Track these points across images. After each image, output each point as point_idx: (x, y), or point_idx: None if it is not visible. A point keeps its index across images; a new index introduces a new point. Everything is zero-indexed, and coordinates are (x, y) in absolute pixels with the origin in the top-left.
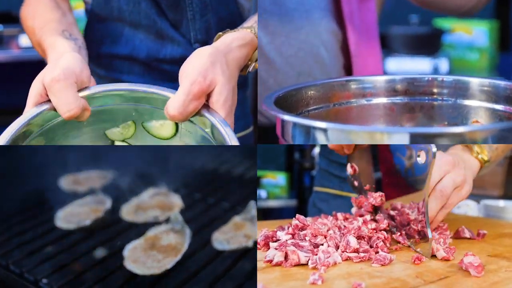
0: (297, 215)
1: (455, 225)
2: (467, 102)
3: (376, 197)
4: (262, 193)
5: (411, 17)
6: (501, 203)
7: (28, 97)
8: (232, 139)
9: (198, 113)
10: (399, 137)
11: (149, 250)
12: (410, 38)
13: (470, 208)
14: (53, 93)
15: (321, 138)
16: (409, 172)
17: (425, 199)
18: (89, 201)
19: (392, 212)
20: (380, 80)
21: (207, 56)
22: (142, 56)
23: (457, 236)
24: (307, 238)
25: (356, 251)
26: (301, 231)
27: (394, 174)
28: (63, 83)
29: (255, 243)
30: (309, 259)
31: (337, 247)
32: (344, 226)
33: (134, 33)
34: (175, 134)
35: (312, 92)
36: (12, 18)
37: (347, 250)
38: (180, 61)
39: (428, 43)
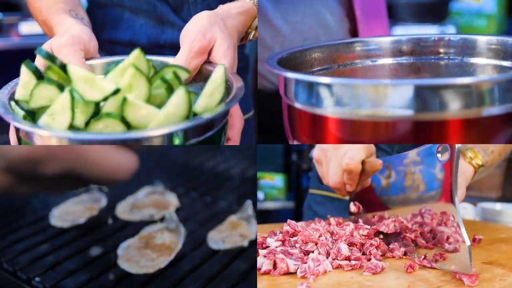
0: (289, 221)
1: None
2: (474, 60)
3: (388, 224)
4: (259, 194)
5: None
6: (498, 206)
7: (35, 62)
8: (236, 81)
9: (200, 70)
10: (404, 89)
11: (143, 249)
12: (417, 6)
13: (467, 211)
14: (60, 57)
15: (325, 95)
16: (384, 192)
17: (455, 202)
18: (84, 199)
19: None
20: (385, 41)
21: (206, 18)
22: (143, 41)
23: None
24: (297, 245)
25: (348, 258)
26: (292, 237)
27: (368, 192)
28: (70, 48)
29: (251, 242)
30: (298, 268)
31: (328, 254)
32: (337, 232)
33: (134, 19)
34: None
35: (316, 54)
36: (12, 6)
37: (338, 258)
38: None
39: (435, 11)
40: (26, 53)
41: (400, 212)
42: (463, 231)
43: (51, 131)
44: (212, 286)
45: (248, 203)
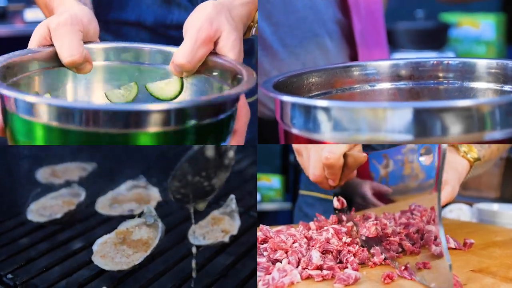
0: (261, 226)
1: (445, 232)
2: (474, 84)
3: (369, 227)
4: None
5: (416, 12)
6: (495, 206)
7: (30, 39)
8: (248, 73)
9: (205, 61)
10: (403, 112)
11: (120, 244)
12: (416, 33)
13: (463, 212)
14: (57, 37)
15: (322, 119)
16: (383, 181)
17: (436, 207)
18: (63, 194)
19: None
20: (383, 65)
21: (212, 7)
22: (149, 22)
23: None
24: (265, 254)
25: (320, 268)
26: (263, 244)
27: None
28: (69, 28)
29: (232, 238)
30: (260, 280)
31: (299, 263)
32: (315, 238)
33: None
34: (179, 93)
35: (314, 78)
36: None
37: (309, 267)
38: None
39: (435, 38)
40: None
41: (397, 206)
42: (444, 248)
43: (39, 97)
44: (190, 282)
45: (232, 197)
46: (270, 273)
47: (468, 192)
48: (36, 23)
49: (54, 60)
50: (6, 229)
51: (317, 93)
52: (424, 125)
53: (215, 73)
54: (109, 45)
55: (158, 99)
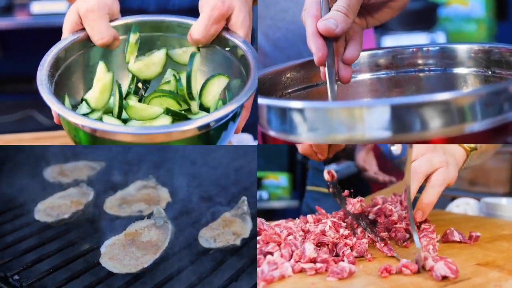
0: (258, 219)
1: (450, 225)
2: (456, 70)
3: (354, 204)
4: (263, 194)
5: None
6: (504, 200)
7: (63, 25)
8: (251, 55)
9: (218, 35)
10: (380, 109)
11: (128, 246)
12: (405, 14)
13: (470, 207)
14: (87, 22)
15: (298, 120)
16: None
17: (407, 194)
18: (72, 193)
19: (371, 216)
20: (362, 55)
21: None
22: (152, 8)
23: (445, 239)
24: (257, 246)
25: (313, 261)
26: (258, 236)
27: (380, 157)
28: (97, 14)
29: (244, 241)
30: None
31: (291, 256)
32: (313, 231)
33: None
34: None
35: (291, 73)
36: None
37: (302, 260)
38: (189, 11)
39: (424, 18)
40: (38, 33)
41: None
42: (415, 236)
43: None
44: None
45: (243, 199)
46: (260, 266)
47: (477, 188)
48: (43, 15)
49: (88, 42)
50: (12, 229)
51: (295, 88)
52: (401, 122)
53: (227, 49)
54: (132, 20)
55: (177, 63)
